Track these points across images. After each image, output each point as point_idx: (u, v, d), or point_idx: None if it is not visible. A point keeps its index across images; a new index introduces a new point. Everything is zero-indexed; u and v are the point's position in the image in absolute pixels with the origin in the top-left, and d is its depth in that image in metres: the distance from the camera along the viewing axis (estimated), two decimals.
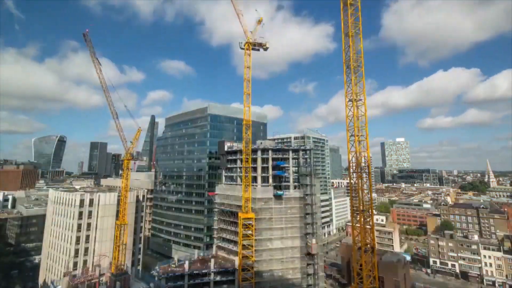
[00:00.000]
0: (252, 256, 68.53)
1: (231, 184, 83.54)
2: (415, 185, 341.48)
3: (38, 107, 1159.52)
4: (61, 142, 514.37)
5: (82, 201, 76.55)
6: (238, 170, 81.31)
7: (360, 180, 50.90)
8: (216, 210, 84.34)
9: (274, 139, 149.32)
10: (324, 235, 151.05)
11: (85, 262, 74.50)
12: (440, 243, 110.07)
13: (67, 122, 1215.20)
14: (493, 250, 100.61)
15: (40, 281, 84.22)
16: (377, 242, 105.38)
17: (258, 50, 76.16)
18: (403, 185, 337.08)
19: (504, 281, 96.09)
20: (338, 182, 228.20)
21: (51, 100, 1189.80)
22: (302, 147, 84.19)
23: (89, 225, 76.76)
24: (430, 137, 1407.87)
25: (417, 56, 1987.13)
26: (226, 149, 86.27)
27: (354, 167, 51.39)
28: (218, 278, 68.23)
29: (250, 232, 69.05)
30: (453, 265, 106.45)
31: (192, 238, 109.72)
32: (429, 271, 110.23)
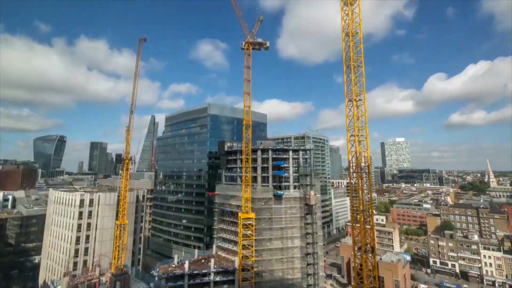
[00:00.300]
0: (252, 256, 68.49)
1: (231, 184, 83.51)
2: (415, 185, 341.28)
3: (46, 101, 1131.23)
4: (61, 142, 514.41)
5: (82, 201, 76.53)
6: (238, 170, 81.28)
7: (360, 180, 50.85)
8: (216, 210, 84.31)
9: (274, 139, 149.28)
10: (324, 235, 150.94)
11: (85, 262, 74.49)
12: (440, 243, 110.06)
13: (77, 119, 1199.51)
14: (493, 250, 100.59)
15: (40, 281, 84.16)
16: (377, 242, 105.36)
17: (259, 49, 76.32)
18: (403, 185, 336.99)
19: (504, 281, 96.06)
20: (338, 182, 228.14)
21: (60, 91, 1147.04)
22: (302, 147, 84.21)
23: (89, 225, 76.75)
24: (457, 135, 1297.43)
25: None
26: (226, 149, 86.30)
27: (354, 167, 51.35)
28: (218, 278, 68.19)
29: (250, 232, 69.01)
30: (453, 265, 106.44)
31: (192, 238, 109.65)
32: (429, 271, 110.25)
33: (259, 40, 74.80)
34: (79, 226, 75.25)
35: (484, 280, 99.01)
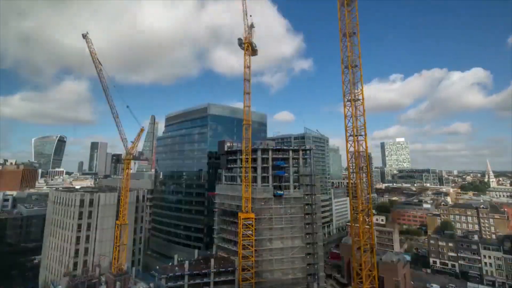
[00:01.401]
0: (252, 256, 68.53)
1: (231, 184, 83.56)
2: (415, 185, 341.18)
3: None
4: (61, 142, 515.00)
5: (82, 201, 76.53)
6: (238, 170, 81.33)
7: (359, 180, 50.94)
8: (216, 210, 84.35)
9: (274, 139, 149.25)
10: (324, 235, 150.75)
11: (85, 262, 74.49)
12: (440, 243, 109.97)
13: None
14: (493, 250, 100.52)
15: (40, 281, 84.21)
16: (377, 242, 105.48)
17: (256, 54, 75.76)
18: (403, 185, 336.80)
19: (504, 281, 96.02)
20: (338, 182, 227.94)
21: None
22: (302, 147, 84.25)
23: (89, 225, 76.74)
24: None
25: None
26: (226, 149, 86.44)
27: (353, 167, 51.45)
28: (218, 278, 68.24)
29: (250, 232, 69.07)
30: (453, 265, 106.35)
31: (192, 238, 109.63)
32: (429, 271, 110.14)
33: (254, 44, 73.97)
34: (79, 226, 75.26)
35: (484, 280, 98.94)
